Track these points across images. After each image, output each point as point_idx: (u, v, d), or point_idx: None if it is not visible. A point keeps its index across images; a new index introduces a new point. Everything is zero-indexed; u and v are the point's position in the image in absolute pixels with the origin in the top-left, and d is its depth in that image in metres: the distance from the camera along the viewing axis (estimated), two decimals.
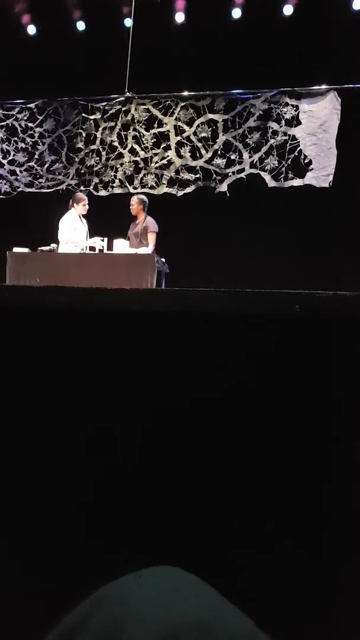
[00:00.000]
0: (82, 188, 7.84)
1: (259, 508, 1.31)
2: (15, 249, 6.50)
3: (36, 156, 8.04)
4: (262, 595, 1.18)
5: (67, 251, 6.57)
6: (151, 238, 6.68)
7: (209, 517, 1.31)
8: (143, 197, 7.02)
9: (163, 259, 6.51)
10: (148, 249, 6.59)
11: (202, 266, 7.23)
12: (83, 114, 7.81)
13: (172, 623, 0.46)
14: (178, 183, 7.50)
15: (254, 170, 7.22)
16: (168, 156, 7.52)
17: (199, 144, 7.40)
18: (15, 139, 8.06)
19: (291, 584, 1.26)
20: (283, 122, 7.07)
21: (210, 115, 7.34)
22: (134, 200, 6.92)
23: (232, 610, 0.51)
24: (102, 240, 6.58)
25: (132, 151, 7.66)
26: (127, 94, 7.51)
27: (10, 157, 8.12)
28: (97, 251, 6.56)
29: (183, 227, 7.01)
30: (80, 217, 6.85)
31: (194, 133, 7.41)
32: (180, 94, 7.44)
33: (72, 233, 6.67)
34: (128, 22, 7.54)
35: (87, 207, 6.88)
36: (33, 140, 8.03)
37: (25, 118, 8.03)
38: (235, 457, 1.32)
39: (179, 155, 7.48)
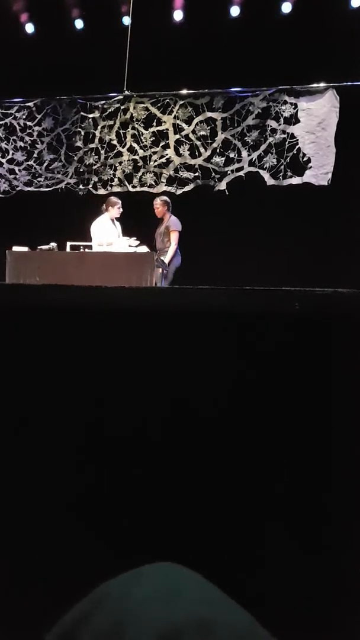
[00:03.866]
0: (81, 187, 7.84)
1: (260, 506, 1.31)
2: (15, 248, 6.49)
3: (35, 155, 8.03)
4: (263, 593, 1.18)
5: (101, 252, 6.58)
6: (173, 237, 6.82)
7: (210, 515, 1.31)
8: (165, 197, 7.10)
9: (163, 258, 6.52)
10: (170, 248, 6.71)
11: (201, 264, 7.22)
12: (82, 113, 7.80)
13: (172, 620, 0.46)
14: (177, 181, 7.50)
15: (252, 169, 7.22)
16: (167, 155, 7.52)
17: (198, 143, 7.40)
18: (14, 137, 8.05)
19: (292, 582, 1.26)
20: (282, 120, 7.06)
21: (209, 114, 7.34)
22: (157, 203, 7.00)
23: (233, 607, 0.51)
24: (136, 241, 6.61)
25: (131, 150, 7.66)
26: (126, 92, 7.50)
27: (9, 156, 8.11)
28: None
29: (182, 226, 7.00)
30: (112, 220, 6.88)
31: (193, 131, 7.41)
32: (178, 92, 7.43)
33: (106, 235, 6.70)
34: (126, 21, 7.53)
35: (121, 209, 6.91)
36: (32, 139, 8.02)
37: (24, 117, 8.01)
38: (236, 455, 1.32)
39: (178, 154, 7.48)
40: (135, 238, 6.60)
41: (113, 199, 7.00)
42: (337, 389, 1.29)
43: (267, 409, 1.32)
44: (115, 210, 6.86)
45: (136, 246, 6.52)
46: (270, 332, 1.32)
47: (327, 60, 6.76)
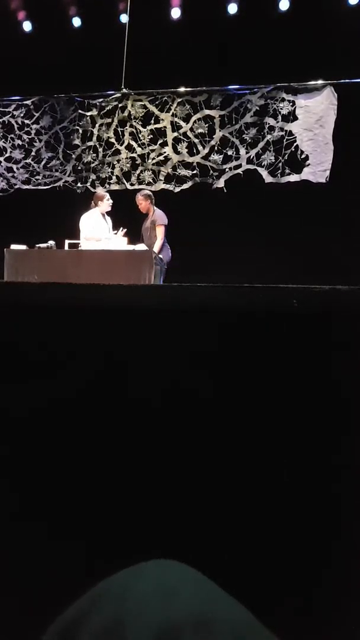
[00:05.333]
0: (79, 185, 7.84)
1: (260, 506, 1.31)
2: (13, 246, 6.48)
3: (33, 153, 8.04)
4: (263, 591, 1.18)
5: (88, 248, 6.52)
6: (159, 231, 6.63)
7: (210, 515, 1.31)
8: (146, 191, 6.95)
9: (161, 256, 6.51)
10: (157, 243, 6.56)
11: (199, 262, 7.22)
12: (79, 111, 7.81)
13: (172, 617, 0.46)
14: (175, 179, 7.50)
15: (250, 166, 7.23)
16: (165, 152, 7.52)
17: (196, 140, 7.41)
18: (12, 136, 8.06)
19: (292, 581, 1.26)
20: (279, 117, 7.07)
21: (207, 111, 7.34)
22: (139, 198, 6.83)
23: (232, 604, 0.51)
24: (123, 232, 6.53)
25: (129, 147, 7.66)
26: (124, 90, 7.51)
27: (7, 154, 8.12)
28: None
29: (180, 223, 6.99)
30: (102, 214, 6.74)
31: (191, 129, 7.41)
32: (176, 89, 7.44)
33: (93, 230, 6.62)
34: (124, 18, 7.53)
35: (110, 202, 6.72)
36: (30, 137, 8.03)
37: (22, 115, 8.02)
38: (236, 454, 1.32)
39: (176, 152, 7.48)
40: (122, 230, 6.57)
41: (100, 193, 6.86)
42: (336, 386, 1.29)
43: (267, 407, 1.32)
44: (105, 204, 6.69)
45: (123, 234, 6.50)
46: (269, 329, 1.32)
47: (325, 58, 6.77)
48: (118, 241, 6.49)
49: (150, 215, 6.79)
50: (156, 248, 6.49)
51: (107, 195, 6.76)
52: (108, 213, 6.78)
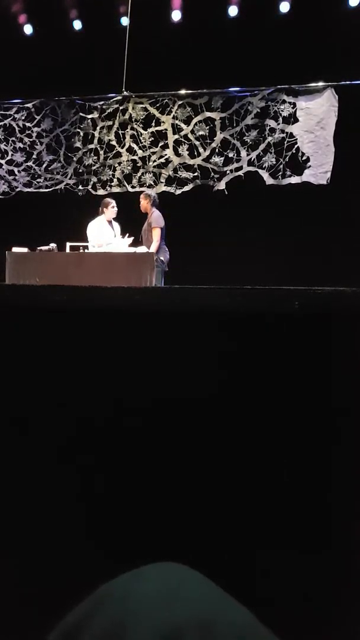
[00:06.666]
0: (80, 187, 7.85)
1: (261, 506, 1.31)
2: (15, 249, 6.50)
3: (34, 156, 8.05)
4: (263, 592, 1.18)
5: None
6: (155, 233, 6.56)
7: (210, 515, 1.31)
8: (149, 192, 6.93)
9: (162, 258, 6.50)
10: (152, 245, 6.52)
11: (200, 264, 7.22)
12: (80, 114, 7.82)
13: (174, 620, 0.46)
14: (176, 181, 7.51)
15: (251, 168, 7.23)
16: (166, 155, 7.53)
17: (197, 142, 7.41)
18: (13, 139, 8.08)
19: (293, 582, 1.26)
20: (280, 119, 7.07)
21: (208, 114, 7.35)
22: (141, 197, 6.84)
23: (234, 606, 0.51)
24: (128, 238, 6.55)
25: (130, 150, 7.67)
26: (125, 92, 7.51)
27: (9, 157, 8.13)
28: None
29: (181, 225, 6.99)
30: (109, 221, 6.79)
31: (192, 131, 7.42)
32: (177, 92, 7.45)
33: (98, 236, 6.66)
34: (125, 21, 7.54)
35: (115, 209, 6.78)
36: (31, 140, 8.04)
37: (23, 118, 8.03)
38: (236, 455, 1.32)
39: (177, 154, 7.49)
40: (128, 235, 6.57)
41: (106, 200, 6.90)
42: (337, 388, 1.29)
43: (268, 408, 1.32)
44: (110, 211, 6.75)
45: (129, 241, 6.51)
46: (270, 331, 1.32)
47: (325, 60, 6.77)
48: (120, 245, 6.49)
49: (148, 217, 6.79)
50: (152, 250, 6.47)
51: (113, 203, 6.78)
52: (115, 219, 6.80)
